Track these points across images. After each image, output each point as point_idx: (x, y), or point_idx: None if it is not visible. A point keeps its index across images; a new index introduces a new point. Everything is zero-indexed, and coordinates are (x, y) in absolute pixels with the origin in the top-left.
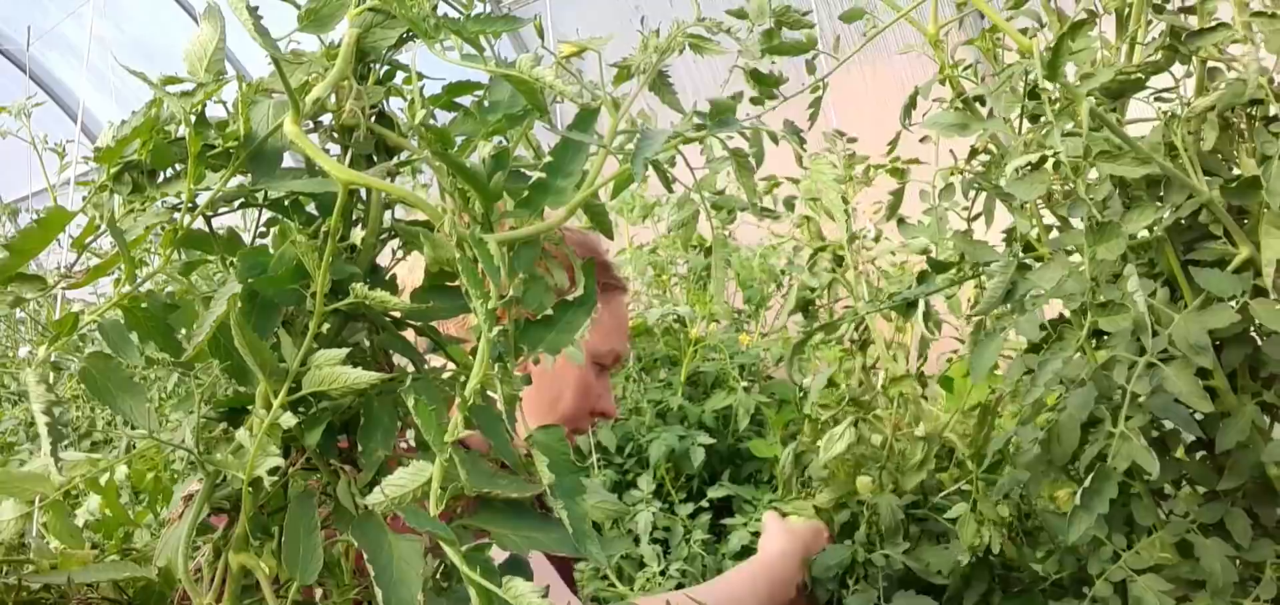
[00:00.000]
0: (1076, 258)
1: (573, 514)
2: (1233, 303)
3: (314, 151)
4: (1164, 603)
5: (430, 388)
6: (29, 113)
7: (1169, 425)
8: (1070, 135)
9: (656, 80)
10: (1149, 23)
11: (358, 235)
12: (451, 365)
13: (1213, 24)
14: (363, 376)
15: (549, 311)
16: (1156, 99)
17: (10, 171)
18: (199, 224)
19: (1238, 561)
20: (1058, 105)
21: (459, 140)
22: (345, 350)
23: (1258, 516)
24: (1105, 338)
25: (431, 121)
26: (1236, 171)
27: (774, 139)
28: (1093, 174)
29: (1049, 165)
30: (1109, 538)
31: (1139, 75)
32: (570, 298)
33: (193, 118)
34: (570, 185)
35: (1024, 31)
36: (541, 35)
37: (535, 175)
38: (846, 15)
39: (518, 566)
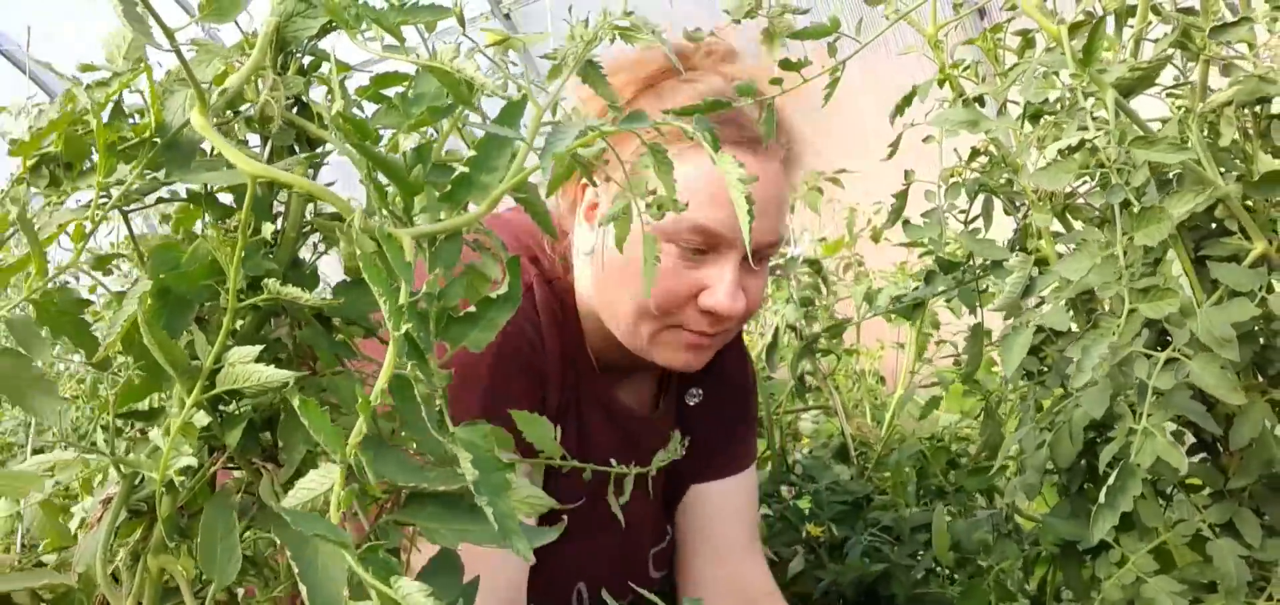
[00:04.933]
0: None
1: (497, 512)
2: (1251, 297)
3: (221, 142)
4: (1178, 604)
5: (347, 385)
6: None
7: (1171, 426)
8: (1100, 123)
9: (586, 68)
10: (1150, 22)
11: (268, 229)
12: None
13: (1238, 18)
14: (277, 374)
15: (472, 307)
16: (1168, 94)
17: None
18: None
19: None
20: (1082, 95)
21: (385, 134)
22: (258, 348)
23: (1264, 516)
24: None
25: (358, 112)
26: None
27: (688, 135)
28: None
29: (1078, 154)
30: (1117, 540)
31: (1150, 71)
32: (494, 295)
33: (106, 107)
34: (495, 179)
35: (1025, 33)
36: (462, 23)
37: (458, 168)
38: None
39: (447, 561)
